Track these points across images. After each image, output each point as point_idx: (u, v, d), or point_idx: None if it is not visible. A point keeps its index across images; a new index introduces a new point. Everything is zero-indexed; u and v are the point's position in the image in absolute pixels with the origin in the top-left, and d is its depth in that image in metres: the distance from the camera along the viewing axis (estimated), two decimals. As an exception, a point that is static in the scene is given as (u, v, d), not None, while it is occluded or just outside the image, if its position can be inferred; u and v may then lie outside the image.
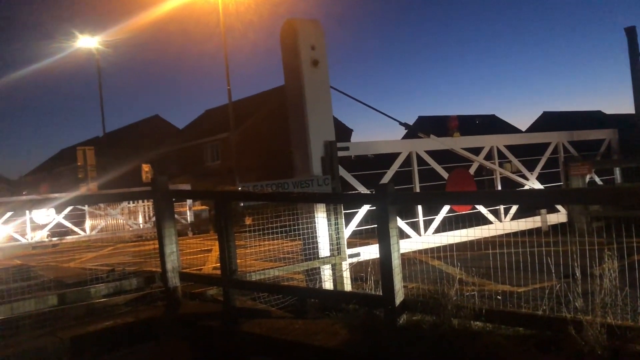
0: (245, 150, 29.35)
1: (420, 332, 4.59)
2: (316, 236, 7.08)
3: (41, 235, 18.30)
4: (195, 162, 36.01)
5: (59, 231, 18.76)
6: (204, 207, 20.55)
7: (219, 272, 6.85)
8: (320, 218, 7.00)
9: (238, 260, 8.36)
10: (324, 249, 7.11)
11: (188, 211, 19.34)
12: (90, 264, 11.40)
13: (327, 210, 6.95)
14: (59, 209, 17.57)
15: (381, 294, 4.93)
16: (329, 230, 7.06)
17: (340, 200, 6.69)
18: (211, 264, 9.88)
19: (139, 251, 13.20)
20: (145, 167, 21.58)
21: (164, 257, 6.48)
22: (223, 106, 39.41)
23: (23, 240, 17.68)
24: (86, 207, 18.64)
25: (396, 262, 4.83)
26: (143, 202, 18.52)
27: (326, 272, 7.10)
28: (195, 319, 6.16)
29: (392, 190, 4.93)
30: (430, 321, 4.66)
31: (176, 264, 6.55)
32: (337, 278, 7.02)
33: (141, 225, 18.97)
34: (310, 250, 7.24)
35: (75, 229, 18.66)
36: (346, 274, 7.12)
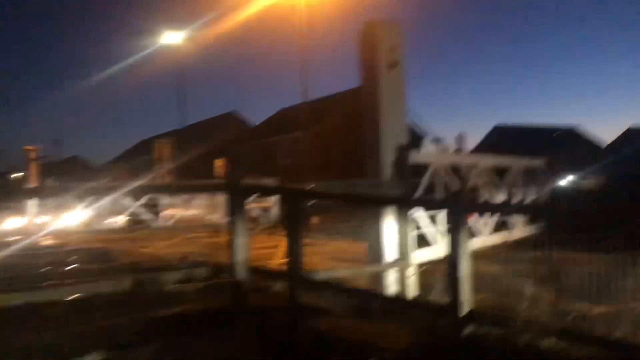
0: (317, 150, 29.62)
1: (485, 344, 4.50)
2: (383, 239, 7.08)
3: (119, 221, 19.13)
4: (266, 159, 36.71)
5: (135, 219, 19.51)
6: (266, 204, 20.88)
7: (285, 267, 6.99)
8: (389, 221, 6.98)
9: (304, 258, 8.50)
10: (391, 253, 7.09)
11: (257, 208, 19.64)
12: (163, 251, 11.84)
13: (396, 214, 6.93)
14: (137, 197, 18.27)
15: (447, 301, 4.87)
16: (397, 234, 7.04)
17: (411, 204, 6.64)
18: (277, 259, 10.06)
19: (210, 243, 13.57)
20: (219, 162, 22.22)
21: (234, 250, 6.66)
22: (297, 106, 39.99)
23: (102, 225, 18.47)
24: (162, 197, 19.25)
25: (464, 271, 4.76)
26: (219, 196, 18.79)
27: (391, 277, 7.08)
28: (262, 311, 6.29)
29: (464, 198, 4.86)
30: (497, 334, 4.55)
31: (245, 257, 6.72)
32: (402, 283, 6.98)
33: (215, 219, 19.18)
34: (376, 253, 7.24)
35: (151, 217, 19.36)
36: (412, 280, 7.07)
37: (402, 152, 7.15)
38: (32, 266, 8.20)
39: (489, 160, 9.21)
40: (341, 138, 32.24)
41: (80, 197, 16.03)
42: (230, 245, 6.76)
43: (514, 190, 10.70)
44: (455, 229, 4.76)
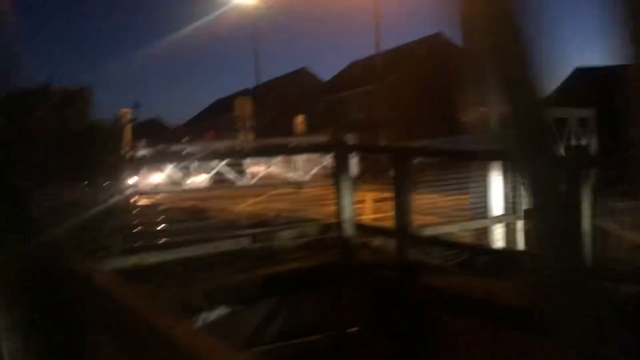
0: (390, 103, 29.22)
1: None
2: (489, 194, 7.01)
3: (204, 180, 19.59)
4: (340, 114, 36.66)
5: (221, 178, 19.83)
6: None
7: (377, 223, 7.11)
8: (496, 176, 6.90)
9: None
10: (497, 208, 7.02)
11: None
12: (254, 209, 12.11)
13: (504, 169, 6.83)
14: (223, 157, 18.54)
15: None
16: (504, 189, 6.95)
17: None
18: (367, 214, 10.13)
19: (296, 199, 13.78)
20: (299, 119, 22.37)
21: (340, 208, 6.81)
22: (368, 58, 39.39)
23: (188, 185, 18.78)
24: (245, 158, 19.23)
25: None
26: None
27: (498, 231, 7.04)
28: (371, 268, 6.46)
29: (590, 154, 4.71)
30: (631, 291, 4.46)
31: (352, 215, 6.86)
32: (510, 238, 6.92)
33: (296, 176, 19.16)
34: (480, 209, 7.19)
35: (235, 176, 19.56)
36: (521, 235, 7.00)
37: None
38: (146, 227, 8.72)
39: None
40: (417, 89, 31.64)
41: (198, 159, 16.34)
42: (336, 203, 6.91)
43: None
44: (573, 186, 4.64)
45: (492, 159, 6.45)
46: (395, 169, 6.29)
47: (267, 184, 19.35)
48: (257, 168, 20.05)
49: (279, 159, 19.78)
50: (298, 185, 17.40)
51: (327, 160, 16.48)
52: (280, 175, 19.79)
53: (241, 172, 19.91)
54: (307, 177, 18.21)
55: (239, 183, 19.41)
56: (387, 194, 12.66)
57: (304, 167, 19.56)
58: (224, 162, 19.42)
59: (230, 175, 19.82)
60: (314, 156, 16.78)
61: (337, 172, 6.85)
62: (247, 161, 19.87)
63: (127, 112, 18.93)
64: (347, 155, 6.80)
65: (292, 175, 19.68)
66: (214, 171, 19.54)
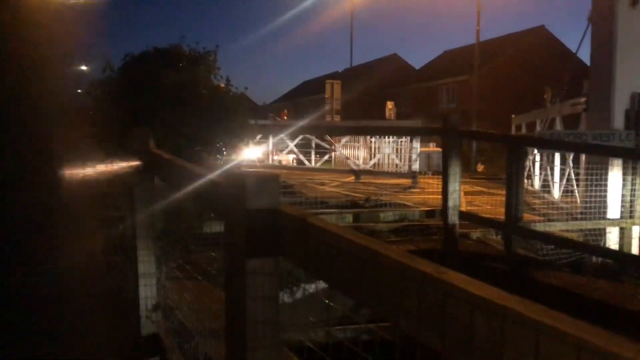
0: (484, 95, 28.29)
1: None
2: (605, 195, 6.62)
3: (285, 158, 19.57)
4: (429, 103, 35.96)
5: (302, 158, 19.46)
6: (436, 149, 20.30)
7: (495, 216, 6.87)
8: (614, 175, 6.50)
9: (489, 206, 8.24)
10: (613, 210, 6.63)
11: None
12: (340, 190, 11.99)
13: (625, 169, 6.43)
14: (292, 137, 17.88)
15: None
16: (622, 190, 6.54)
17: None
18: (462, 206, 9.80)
19: (379, 182, 13.33)
20: (389, 105, 22.19)
21: (446, 194, 6.65)
22: (462, 48, 38.25)
23: (271, 162, 18.66)
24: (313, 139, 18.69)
25: None
26: (367, 139, 17.49)
27: (612, 235, 6.65)
28: (475, 258, 6.28)
29: None
30: None
31: (457, 202, 6.69)
32: (626, 242, 6.52)
33: (358, 163, 17.65)
34: (593, 209, 6.81)
35: (303, 158, 19.25)
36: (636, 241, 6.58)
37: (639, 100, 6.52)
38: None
39: None
40: (513, 82, 30.49)
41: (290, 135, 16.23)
42: (442, 189, 6.76)
43: None
44: None
45: (618, 156, 6.08)
46: (509, 159, 6.05)
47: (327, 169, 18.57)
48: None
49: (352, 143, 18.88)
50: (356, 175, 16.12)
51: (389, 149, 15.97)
52: (345, 161, 18.75)
53: (306, 154, 19.30)
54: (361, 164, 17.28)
55: (316, 164, 19.09)
56: (477, 188, 12.33)
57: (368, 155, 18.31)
58: (293, 143, 18.80)
59: (308, 156, 19.56)
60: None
61: (444, 156, 6.68)
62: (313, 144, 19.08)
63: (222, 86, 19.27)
64: (458, 140, 6.61)
65: (354, 162, 18.37)
66: (287, 150, 19.24)
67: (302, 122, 19.54)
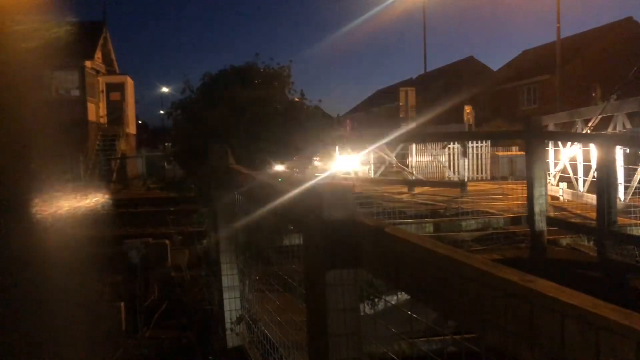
0: (567, 94, 26.99)
1: None
2: None
3: (366, 170, 19.43)
4: (508, 105, 34.77)
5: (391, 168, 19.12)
6: (519, 152, 19.53)
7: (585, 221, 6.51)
8: None
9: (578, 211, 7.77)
10: None
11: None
12: (418, 199, 11.68)
13: None
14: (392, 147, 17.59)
15: None
16: None
17: None
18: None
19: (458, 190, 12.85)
20: (467, 109, 21.59)
21: (532, 200, 6.39)
22: (543, 46, 36.74)
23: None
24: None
25: None
26: (448, 145, 16.79)
27: None
28: (566, 265, 5.98)
29: None
30: None
31: (544, 208, 6.41)
32: None
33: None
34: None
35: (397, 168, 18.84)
36: None
37: None
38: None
39: None
40: (598, 79, 28.91)
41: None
42: (527, 195, 6.50)
43: None
44: None
45: None
46: (599, 160, 5.74)
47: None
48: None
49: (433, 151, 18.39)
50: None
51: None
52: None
53: (404, 163, 19.13)
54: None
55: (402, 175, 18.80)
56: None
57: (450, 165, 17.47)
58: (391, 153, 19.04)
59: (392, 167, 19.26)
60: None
61: (528, 160, 6.43)
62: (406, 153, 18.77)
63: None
64: (542, 142, 6.34)
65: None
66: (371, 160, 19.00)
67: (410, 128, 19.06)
